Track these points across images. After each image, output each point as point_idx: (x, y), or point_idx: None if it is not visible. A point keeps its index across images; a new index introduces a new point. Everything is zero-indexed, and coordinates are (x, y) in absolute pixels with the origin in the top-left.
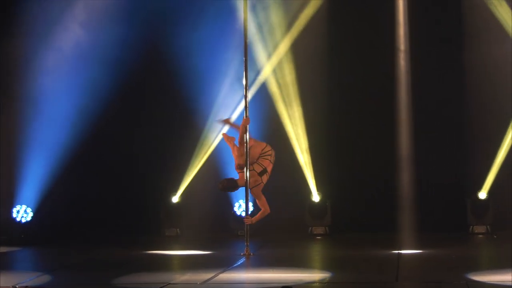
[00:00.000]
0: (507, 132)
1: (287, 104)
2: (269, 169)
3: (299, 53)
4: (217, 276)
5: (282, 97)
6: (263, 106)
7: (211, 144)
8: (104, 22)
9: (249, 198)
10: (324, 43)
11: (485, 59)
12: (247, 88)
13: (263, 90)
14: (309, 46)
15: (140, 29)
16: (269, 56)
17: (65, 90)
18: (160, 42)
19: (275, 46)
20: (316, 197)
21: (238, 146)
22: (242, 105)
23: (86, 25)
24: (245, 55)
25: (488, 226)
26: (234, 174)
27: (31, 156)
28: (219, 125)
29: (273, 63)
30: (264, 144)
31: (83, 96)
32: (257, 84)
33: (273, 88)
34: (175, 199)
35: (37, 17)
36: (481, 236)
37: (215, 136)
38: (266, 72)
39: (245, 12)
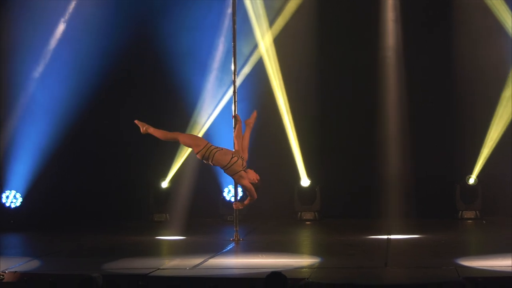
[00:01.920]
0: (496, 118)
1: (276, 90)
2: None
3: (286, 39)
4: (207, 261)
5: (271, 83)
6: (252, 92)
7: (201, 129)
8: (90, 6)
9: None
10: (312, 27)
11: (474, 47)
12: (235, 74)
13: (252, 76)
14: (296, 31)
15: (128, 12)
16: (259, 40)
17: (52, 76)
18: (148, 25)
19: (263, 32)
20: (305, 182)
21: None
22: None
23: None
24: (234, 40)
25: (477, 212)
26: None
27: (20, 142)
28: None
29: (261, 49)
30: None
31: (71, 81)
32: (247, 70)
33: (262, 75)
34: (164, 184)
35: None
36: (470, 221)
37: (205, 120)
38: (255, 57)
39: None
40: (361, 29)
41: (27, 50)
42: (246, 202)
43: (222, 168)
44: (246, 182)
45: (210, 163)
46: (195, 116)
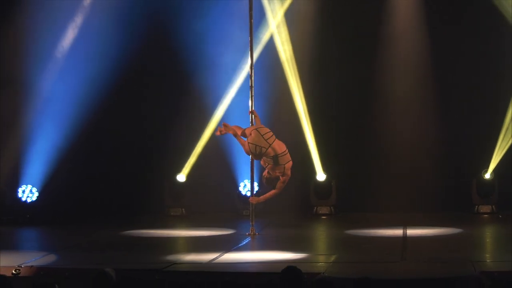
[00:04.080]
0: None
1: (292, 85)
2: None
3: (303, 29)
4: (222, 256)
5: (286, 75)
6: (268, 85)
7: (217, 123)
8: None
9: (254, 178)
10: (324, 15)
11: (486, 37)
12: (252, 68)
13: (268, 69)
14: (312, 24)
15: (144, 8)
16: (274, 30)
17: (68, 72)
18: (162, 20)
19: (277, 19)
20: (321, 177)
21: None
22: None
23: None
24: (250, 34)
25: (493, 206)
26: (241, 156)
27: (36, 136)
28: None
29: (277, 39)
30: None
31: (86, 77)
32: (262, 62)
33: (278, 66)
34: (181, 178)
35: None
36: (486, 216)
37: (219, 114)
38: (271, 49)
39: None
40: (375, 21)
41: (43, 46)
42: (268, 195)
43: (277, 154)
44: (289, 172)
45: (265, 154)
46: (211, 111)
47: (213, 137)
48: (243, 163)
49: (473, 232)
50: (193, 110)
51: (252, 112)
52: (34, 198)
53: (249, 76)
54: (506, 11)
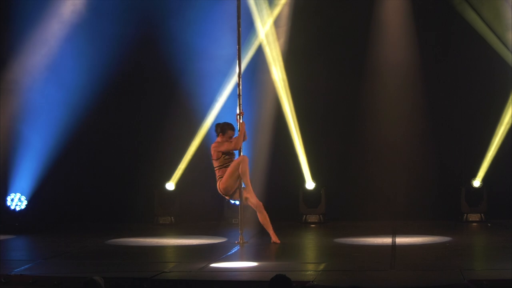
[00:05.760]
0: (502, 120)
1: (281, 93)
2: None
3: (290, 41)
4: (211, 264)
5: (275, 84)
6: (256, 93)
7: (206, 132)
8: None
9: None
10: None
11: (478, 45)
12: (240, 76)
13: (256, 77)
14: (300, 33)
15: (132, 15)
16: (262, 38)
17: (56, 79)
18: (153, 27)
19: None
20: (310, 185)
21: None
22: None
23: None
24: (238, 43)
25: (482, 214)
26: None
27: (25, 145)
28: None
29: (266, 46)
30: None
31: (74, 84)
32: (250, 70)
33: (266, 74)
34: (170, 187)
35: (27, 6)
36: (475, 224)
37: (210, 123)
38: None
39: None
40: (364, 28)
41: (32, 52)
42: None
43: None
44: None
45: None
46: (200, 119)
47: (201, 145)
48: None
49: (462, 240)
50: (182, 119)
51: (239, 115)
52: (23, 207)
53: (237, 84)
54: (475, 23)
